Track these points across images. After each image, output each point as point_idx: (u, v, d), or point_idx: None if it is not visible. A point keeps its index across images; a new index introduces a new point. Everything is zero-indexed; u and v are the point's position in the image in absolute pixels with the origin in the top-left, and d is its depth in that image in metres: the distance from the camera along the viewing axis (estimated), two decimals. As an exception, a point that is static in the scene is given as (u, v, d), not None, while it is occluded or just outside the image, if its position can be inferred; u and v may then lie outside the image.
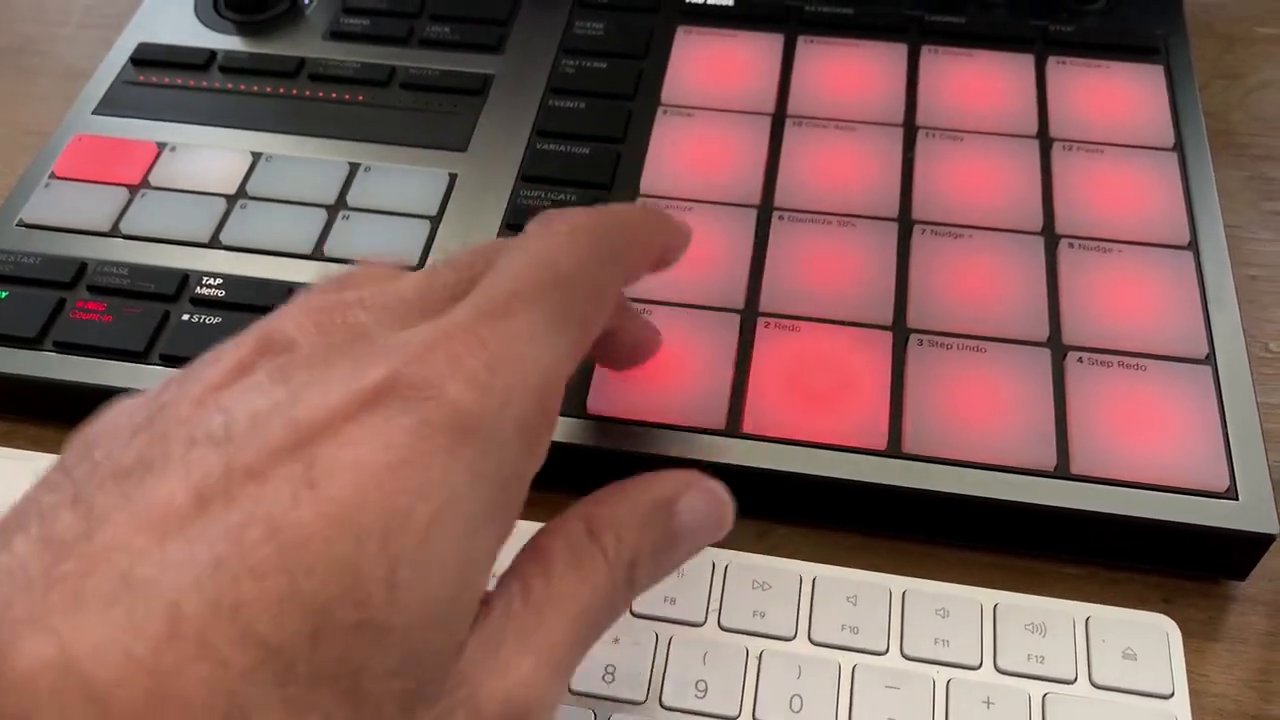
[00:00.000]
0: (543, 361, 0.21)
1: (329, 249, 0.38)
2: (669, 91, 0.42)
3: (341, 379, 0.19)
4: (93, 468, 0.19)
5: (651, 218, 0.28)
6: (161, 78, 0.43)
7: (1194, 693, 0.30)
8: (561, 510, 0.32)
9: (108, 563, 0.17)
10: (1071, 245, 0.36)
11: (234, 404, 0.19)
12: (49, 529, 0.17)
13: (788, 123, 0.40)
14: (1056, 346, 0.34)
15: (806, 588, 0.31)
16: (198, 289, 0.36)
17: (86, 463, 0.19)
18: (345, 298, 0.22)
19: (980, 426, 0.32)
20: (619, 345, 0.32)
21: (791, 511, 0.34)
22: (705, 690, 0.30)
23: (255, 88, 0.43)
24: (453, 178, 0.40)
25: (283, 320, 0.21)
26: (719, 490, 0.25)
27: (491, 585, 0.21)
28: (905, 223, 0.37)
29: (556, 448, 0.32)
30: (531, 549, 0.23)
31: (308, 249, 0.38)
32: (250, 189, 0.39)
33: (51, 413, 0.37)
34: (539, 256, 0.23)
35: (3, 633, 0.16)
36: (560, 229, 0.24)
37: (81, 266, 0.37)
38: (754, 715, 0.29)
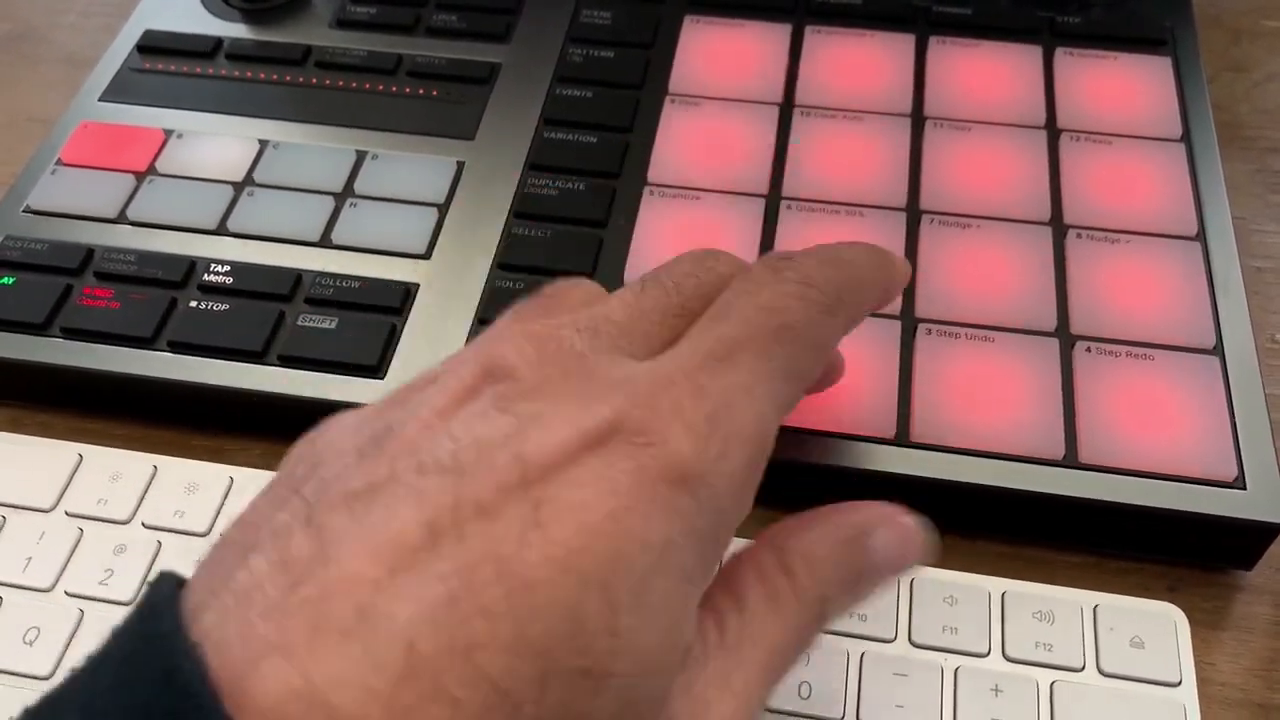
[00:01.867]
0: (761, 415, 0.21)
1: (336, 237, 0.38)
2: (676, 81, 0.42)
3: (567, 417, 0.19)
4: (322, 486, 0.19)
5: (878, 261, 0.27)
6: (168, 65, 0.43)
7: (1201, 681, 0.30)
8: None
9: (344, 593, 0.17)
10: (1079, 235, 0.36)
11: (462, 432, 0.19)
12: (284, 550, 0.18)
13: (795, 112, 0.40)
14: (1064, 336, 0.34)
15: (815, 575, 0.31)
16: (205, 276, 0.36)
17: (314, 480, 0.19)
18: (560, 322, 0.22)
19: (988, 415, 0.32)
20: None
21: (798, 501, 0.34)
22: (714, 677, 0.30)
23: (262, 75, 0.43)
24: (460, 166, 0.40)
25: (503, 345, 0.21)
26: (912, 524, 0.25)
27: None
28: (913, 212, 0.37)
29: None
30: (723, 581, 0.22)
31: (315, 237, 0.38)
32: (257, 176, 0.39)
33: (59, 399, 0.37)
34: (769, 307, 0.22)
35: (249, 653, 0.16)
36: (791, 278, 0.23)
37: (88, 253, 0.37)
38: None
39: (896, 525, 0.24)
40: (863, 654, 0.30)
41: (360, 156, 0.40)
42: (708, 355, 0.21)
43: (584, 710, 0.18)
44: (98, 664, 0.17)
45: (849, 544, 0.23)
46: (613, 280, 0.36)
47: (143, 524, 0.33)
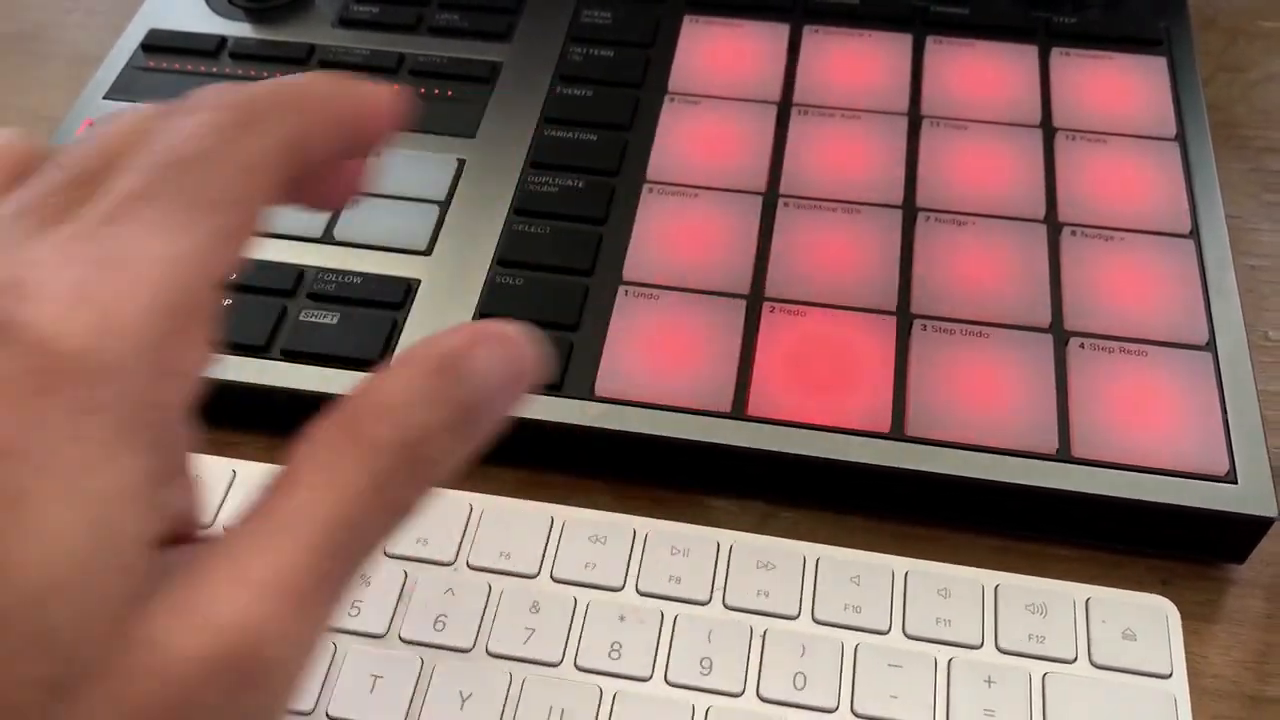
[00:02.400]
0: (168, 259, 0.18)
1: (338, 233, 0.38)
2: (676, 80, 0.42)
3: None
4: None
5: (330, 87, 0.22)
6: (172, 63, 0.44)
7: (1192, 673, 0.30)
8: (577, 495, 0.32)
9: None
10: (1074, 233, 0.37)
11: None
12: None
13: (793, 111, 0.41)
14: (1058, 332, 0.34)
15: (810, 568, 0.32)
16: (209, 271, 0.37)
17: None
18: None
19: (982, 410, 0.33)
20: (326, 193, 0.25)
21: (796, 494, 0.34)
22: (710, 667, 0.30)
23: (265, 74, 0.43)
24: (461, 164, 0.40)
25: None
26: (515, 334, 0.20)
27: None
28: (909, 210, 0.38)
29: (565, 431, 0.33)
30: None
31: (317, 233, 0.38)
32: (260, 173, 0.40)
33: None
34: (163, 146, 0.19)
35: None
36: (188, 109, 0.20)
37: (93, 249, 0.38)
38: (758, 692, 0.30)
39: (498, 339, 0.20)
40: (857, 645, 0.30)
41: (362, 154, 0.40)
42: (92, 221, 0.18)
43: None
44: None
45: (440, 374, 0.19)
46: (612, 278, 0.36)
47: (146, 516, 0.33)
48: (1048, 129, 0.40)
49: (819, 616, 0.31)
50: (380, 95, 0.23)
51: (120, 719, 0.16)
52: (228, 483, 0.34)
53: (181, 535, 0.21)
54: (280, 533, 0.18)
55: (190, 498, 0.22)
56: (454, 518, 0.33)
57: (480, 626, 0.31)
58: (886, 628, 0.31)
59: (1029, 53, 0.42)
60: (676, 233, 0.37)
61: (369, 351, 0.35)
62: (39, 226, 0.18)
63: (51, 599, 0.15)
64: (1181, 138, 0.40)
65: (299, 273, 0.37)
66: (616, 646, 0.30)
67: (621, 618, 0.31)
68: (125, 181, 0.18)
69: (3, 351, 0.16)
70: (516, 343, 0.20)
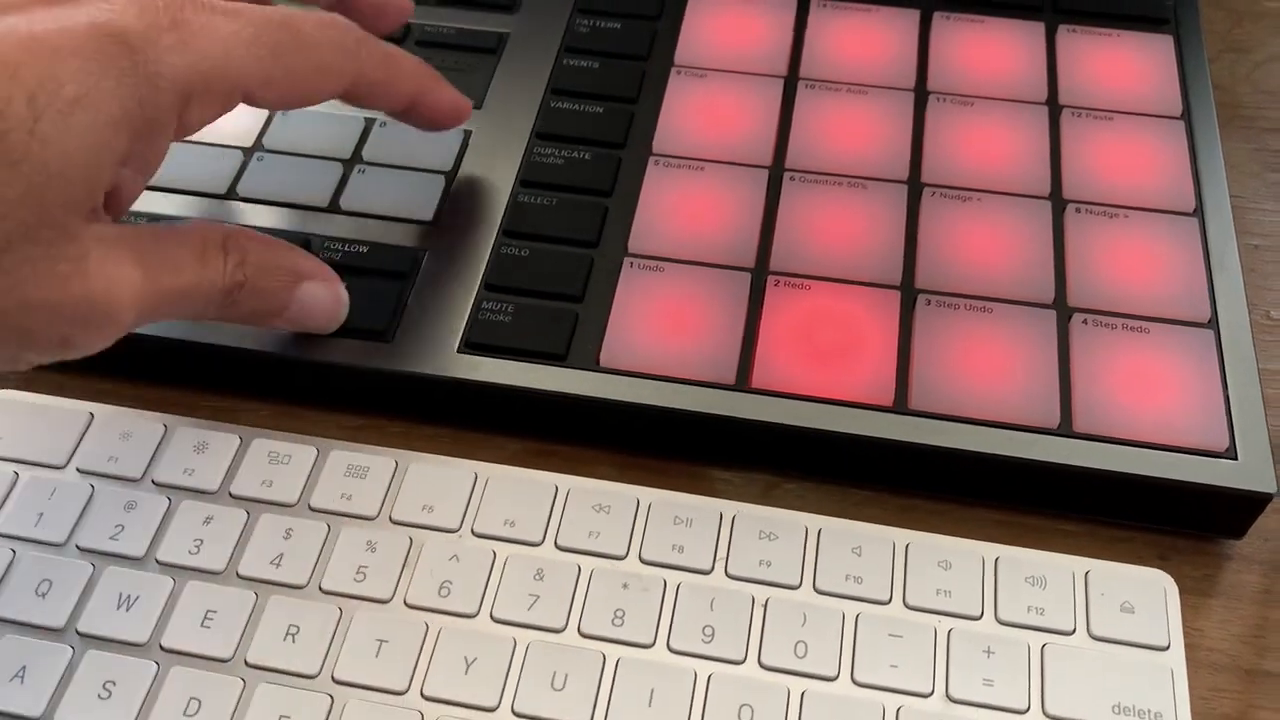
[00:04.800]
0: (227, 42, 0.27)
1: (344, 203, 0.38)
2: (683, 52, 0.42)
3: None
4: None
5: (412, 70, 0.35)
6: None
7: (1189, 646, 0.31)
8: (581, 465, 0.33)
9: None
10: (1078, 210, 0.37)
11: None
12: None
13: (800, 85, 0.41)
14: (1062, 308, 0.35)
15: (812, 539, 0.32)
16: (215, 239, 0.37)
17: None
18: None
19: (985, 384, 0.33)
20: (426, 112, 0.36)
21: (798, 466, 0.34)
22: (712, 635, 0.30)
23: (271, 43, 0.43)
24: (467, 135, 0.40)
25: None
26: (344, 297, 0.34)
27: None
28: (915, 185, 0.38)
29: (570, 402, 0.33)
30: (169, 228, 0.29)
31: (324, 202, 0.38)
32: (267, 142, 0.40)
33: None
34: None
35: None
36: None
37: (100, 215, 0.38)
38: (759, 660, 0.30)
39: (332, 287, 0.33)
40: (858, 615, 0.31)
41: (369, 123, 0.40)
42: None
43: None
44: None
45: (286, 271, 0.31)
46: (617, 250, 0.36)
47: (153, 482, 0.33)
48: (1054, 106, 0.40)
49: (820, 586, 0.31)
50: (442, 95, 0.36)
51: None
52: (234, 449, 0.34)
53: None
54: (168, 271, 0.28)
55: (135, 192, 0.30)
56: (459, 486, 0.33)
57: (485, 593, 0.31)
58: (887, 598, 0.31)
59: (1036, 29, 0.42)
60: (682, 205, 0.37)
61: (375, 321, 0.35)
62: None
63: (57, 180, 0.24)
64: (1187, 116, 0.40)
65: (305, 241, 0.37)
66: (619, 613, 0.31)
67: (625, 585, 0.31)
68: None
69: (106, 10, 0.25)
70: (340, 302, 0.34)
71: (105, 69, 0.24)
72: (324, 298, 0.33)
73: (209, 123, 0.29)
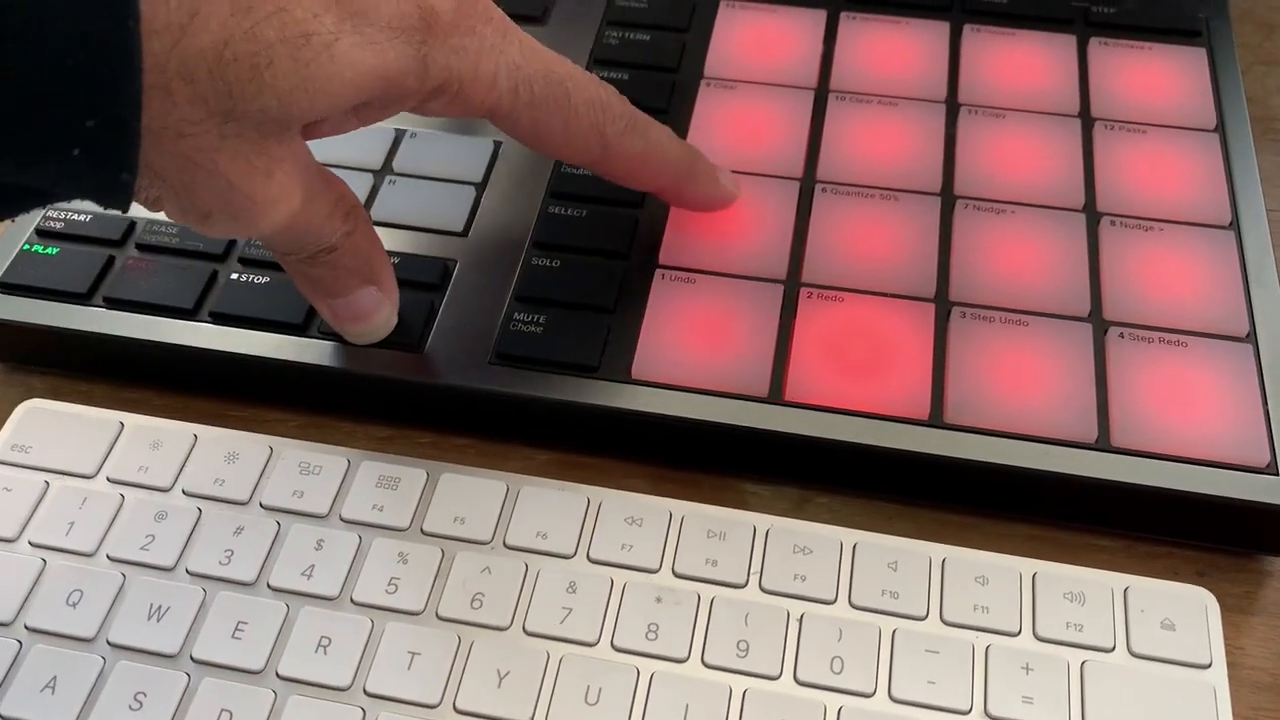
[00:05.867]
0: (498, 72, 0.29)
1: (375, 213, 0.38)
2: (712, 65, 0.42)
3: None
4: None
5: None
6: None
7: (1231, 665, 0.30)
8: (613, 477, 0.33)
9: None
10: (1113, 223, 0.37)
11: None
12: None
13: (830, 97, 0.41)
14: (1098, 321, 0.34)
15: (847, 554, 0.32)
16: (246, 249, 0.37)
17: None
18: None
19: (1021, 398, 0.33)
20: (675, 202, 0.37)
21: (832, 479, 0.34)
22: (746, 650, 0.30)
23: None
24: (497, 145, 0.40)
25: None
26: (393, 317, 0.34)
27: None
28: (948, 198, 0.38)
29: (601, 414, 0.33)
30: (332, 174, 0.31)
31: (354, 212, 0.38)
32: (297, 152, 0.40)
33: (100, 368, 0.37)
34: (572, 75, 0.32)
35: None
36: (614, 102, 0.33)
37: (131, 225, 0.38)
38: (795, 676, 0.30)
39: (390, 304, 0.34)
40: (894, 631, 0.30)
41: (399, 135, 0.40)
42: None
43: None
44: None
45: (367, 264, 0.32)
46: (648, 262, 0.36)
47: (183, 491, 0.33)
48: (1086, 119, 0.40)
49: (856, 602, 0.31)
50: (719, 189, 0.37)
51: None
52: (264, 459, 0.34)
53: None
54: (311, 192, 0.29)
55: None
56: (491, 498, 0.33)
57: (517, 605, 0.31)
58: (924, 614, 0.30)
59: (1067, 42, 0.42)
60: (713, 217, 0.37)
61: (406, 332, 0.35)
62: None
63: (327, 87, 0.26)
64: (1221, 129, 0.39)
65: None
66: (653, 627, 0.30)
67: (658, 599, 0.31)
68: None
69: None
70: (391, 310, 0.34)
71: (402, 33, 0.26)
72: (378, 309, 0.33)
73: (443, 116, 0.31)
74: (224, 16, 0.23)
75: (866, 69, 0.42)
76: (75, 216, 0.38)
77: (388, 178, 0.39)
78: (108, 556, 0.32)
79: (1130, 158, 0.39)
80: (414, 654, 0.30)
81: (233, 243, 0.37)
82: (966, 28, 0.43)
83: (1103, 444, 0.32)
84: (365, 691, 0.29)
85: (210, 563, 0.32)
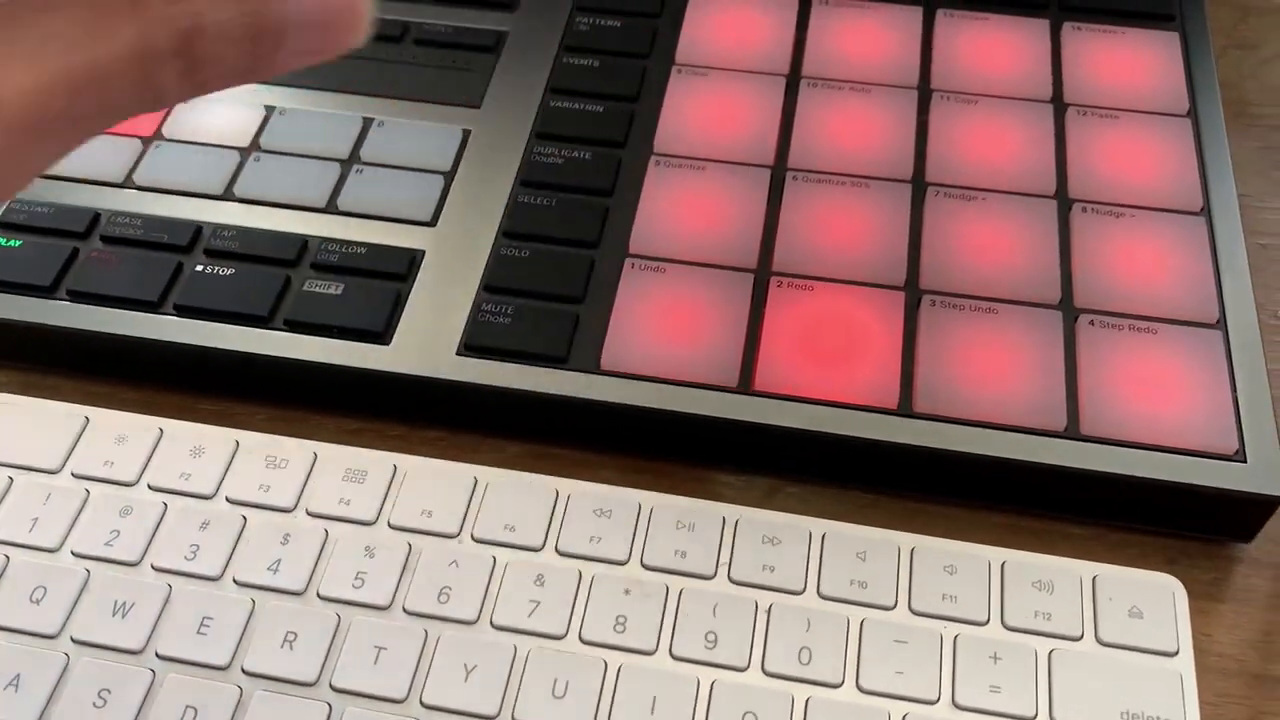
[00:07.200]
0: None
1: (342, 203, 0.38)
2: (683, 51, 0.42)
3: None
4: None
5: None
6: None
7: (1198, 651, 0.30)
8: (582, 469, 0.33)
9: None
10: (1085, 209, 0.36)
11: None
12: None
13: (802, 84, 0.40)
14: (1068, 309, 0.34)
15: (816, 543, 0.31)
16: (211, 241, 0.36)
17: None
18: None
19: (991, 387, 0.33)
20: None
21: (802, 469, 0.34)
22: (715, 642, 0.30)
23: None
24: (466, 134, 0.40)
25: None
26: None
27: None
28: (919, 185, 0.37)
29: (570, 404, 0.33)
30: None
31: (321, 202, 0.38)
32: (264, 142, 0.39)
33: (66, 362, 0.37)
34: None
35: None
36: None
37: (95, 217, 0.37)
38: (763, 667, 0.29)
39: None
40: (863, 620, 0.30)
41: (367, 123, 0.40)
42: None
43: None
44: None
45: None
46: (618, 251, 0.36)
47: (148, 486, 0.33)
48: (1059, 104, 0.40)
49: (825, 592, 0.31)
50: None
51: None
52: (230, 453, 0.34)
53: None
54: (32, 53, 0.17)
55: None
56: (458, 490, 0.33)
57: (484, 599, 0.31)
58: (892, 604, 0.30)
59: (1040, 26, 0.42)
60: (683, 206, 0.37)
61: (373, 323, 0.34)
62: None
63: None
64: (1193, 114, 0.39)
65: (303, 242, 0.36)
66: (622, 620, 0.30)
67: (627, 591, 0.31)
68: None
69: None
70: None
71: None
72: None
73: None
74: None
75: (839, 55, 0.41)
76: (38, 209, 0.37)
77: (355, 167, 0.39)
78: (71, 552, 0.32)
79: (1102, 143, 0.38)
80: (380, 648, 0.30)
81: (198, 234, 0.37)
82: (939, 12, 0.42)
83: (1072, 432, 0.32)
84: (332, 687, 0.29)
85: (175, 558, 0.32)
